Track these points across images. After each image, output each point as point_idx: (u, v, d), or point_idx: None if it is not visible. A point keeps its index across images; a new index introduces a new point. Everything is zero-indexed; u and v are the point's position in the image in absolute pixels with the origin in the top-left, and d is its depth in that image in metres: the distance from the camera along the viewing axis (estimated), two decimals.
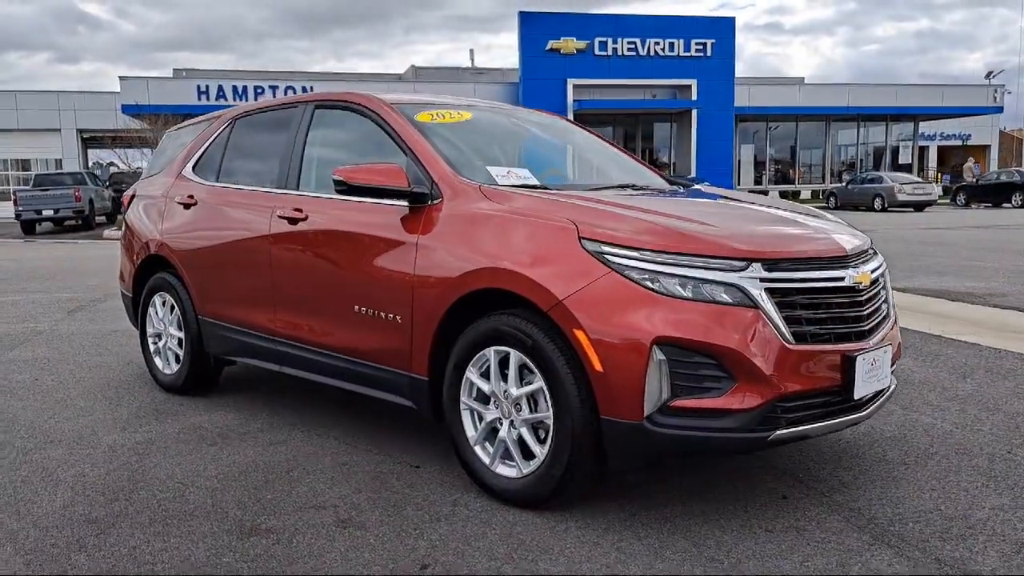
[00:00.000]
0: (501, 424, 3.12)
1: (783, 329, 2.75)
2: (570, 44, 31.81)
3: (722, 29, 33.52)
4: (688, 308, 2.71)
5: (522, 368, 3.04)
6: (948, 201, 33.63)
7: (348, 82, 33.48)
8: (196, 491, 3.34)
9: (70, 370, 5.59)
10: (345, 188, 3.45)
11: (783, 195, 34.88)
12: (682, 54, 32.86)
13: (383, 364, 3.55)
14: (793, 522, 2.92)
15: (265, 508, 3.15)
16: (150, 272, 5.03)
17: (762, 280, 2.77)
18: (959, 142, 52.50)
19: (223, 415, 4.43)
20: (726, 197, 3.79)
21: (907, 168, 40.51)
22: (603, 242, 2.83)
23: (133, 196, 5.36)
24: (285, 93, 31.63)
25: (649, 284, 2.74)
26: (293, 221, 3.93)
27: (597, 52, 32.20)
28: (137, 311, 5.19)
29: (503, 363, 3.11)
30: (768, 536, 2.81)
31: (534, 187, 3.48)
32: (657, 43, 32.55)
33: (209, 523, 3.02)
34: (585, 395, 2.83)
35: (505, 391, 3.09)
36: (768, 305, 2.74)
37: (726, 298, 2.73)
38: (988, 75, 54.43)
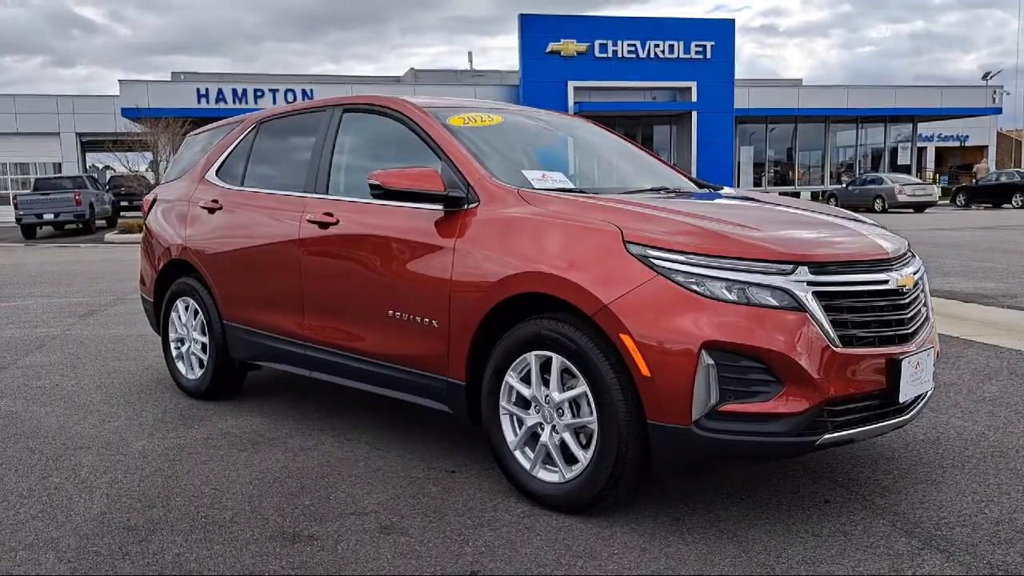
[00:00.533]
0: (542, 429, 3.11)
1: (830, 332, 2.74)
2: (570, 46, 31.85)
3: (722, 31, 33.59)
4: (735, 312, 2.70)
5: (563, 372, 3.03)
6: (948, 202, 33.69)
7: (348, 85, 33.42)
8: (233, 497, 3.32)
9: (90, 375, 5.56)
10: (381, 192, 3.44)
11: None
12: (682, 56, 32.93)
13: (419, 369, 3.53)
14: (839, 526, 2.91)
15: (305, 514, 3.13)
16: (173, 277, 5.01)
17: (809, 283, 2.76)
18: (957, 143, 52.65)
19: (250, 420, 4.42)
20: (759, 200, 3.78)
21: (906, 169, 40.59)
22: (648, 246, 2.82)
23: (154, 200, 5.33)
24: (285, 96, 31.65)
25: (696, 288, 2.73)
26: (324, 225, 3.91)
27: (597, 54, 32.25)
28: (159, 316, 5.17)
29: (544, 367, 3.09)
30: (816, 541, 2.80)
31: (570, 191, 3.47)
32: (657, 45, 32.61)
33: (251, 530, 3.00)
34: (631, 400, 2.81)
35: (547, 396, 3.07)
36: (815, 308, 2.73)
37: (773, 302, 2.72)
38: (985, 76, 54.61)
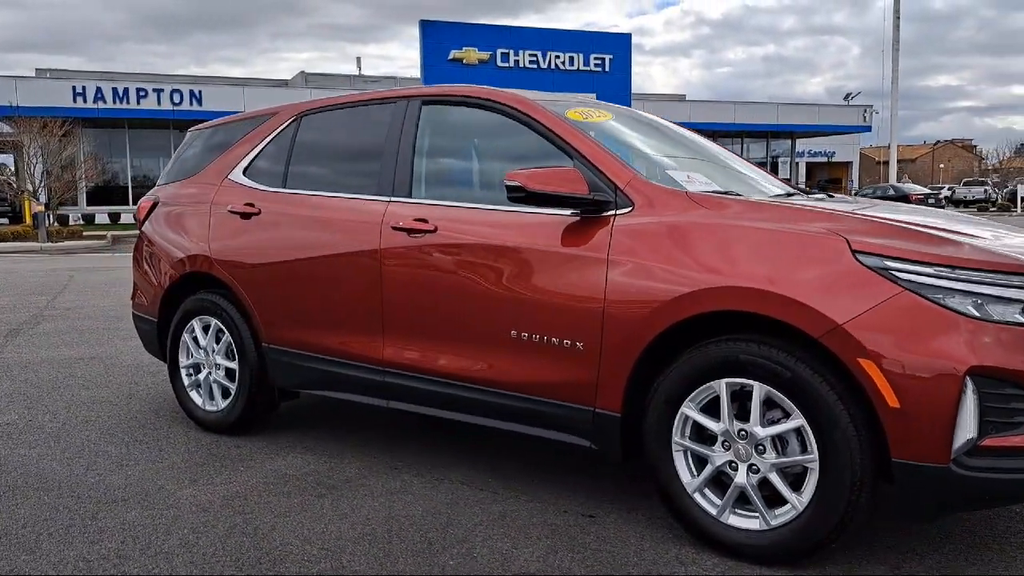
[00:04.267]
0: (735, 468, 2.71)
1: None
2: (472, 54, 31.53)
3: (619, 45, 34.07)
4: (995, 331, 2.38)
5: (763, 403, 2.64)
6: None
7: (238, 87, 31.94)
8: (354, 558, 2.76)
9: (64, 407, 4.76)
10: (522, 196, 2.96)
11: None
12: (581, 68, 33.18)
13: (552, 398, 3.07)
14: None
15: None
16: (185, 292, 4.32)
17: None
18: (825, 159, 55.57)
19: (301, 458, 3.81)
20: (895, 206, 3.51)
21: (787, 183, 42.37)
22: (885, 256, 2.48)
23: (154, 204, 4.60)
24: (171, 96, 30.02)
25: (945, 304, 2.40)
26: (414, 233, 3.39)
27: (499, 63, 32.07)
28: (163, 338, 4.45)
29: (734, 396, 2.70)
30: None
31: (724, 194, 3.10)
32: (558, 56, 32.73)
33: None
34: (866, 435, 2.46)
35: (741, 430, 2.68)
36: None
37: (1021, 319, 2.42)
38: (847, 96, 57.98)
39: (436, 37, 31.20)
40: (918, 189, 33.93)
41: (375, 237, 3.50)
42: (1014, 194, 37.12)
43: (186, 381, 4.33)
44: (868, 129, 44.12)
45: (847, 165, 56.10)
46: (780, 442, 2.63)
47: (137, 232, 4.80)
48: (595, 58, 33.27)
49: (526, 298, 3.09)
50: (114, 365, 5.91)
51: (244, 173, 4.18)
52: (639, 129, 3.72)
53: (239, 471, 3.66)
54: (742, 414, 2.70)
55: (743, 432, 2.67)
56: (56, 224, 23.98)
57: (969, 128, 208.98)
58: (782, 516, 2.63)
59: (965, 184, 50.02)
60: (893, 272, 2.45)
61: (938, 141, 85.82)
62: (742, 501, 2.72)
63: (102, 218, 29.98)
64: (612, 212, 2.97)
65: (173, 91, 30.06)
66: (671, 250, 2.80)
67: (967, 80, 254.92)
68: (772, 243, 2.64)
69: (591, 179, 3.02)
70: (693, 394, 2.76)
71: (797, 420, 2.56)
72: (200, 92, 30.31)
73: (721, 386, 2.70)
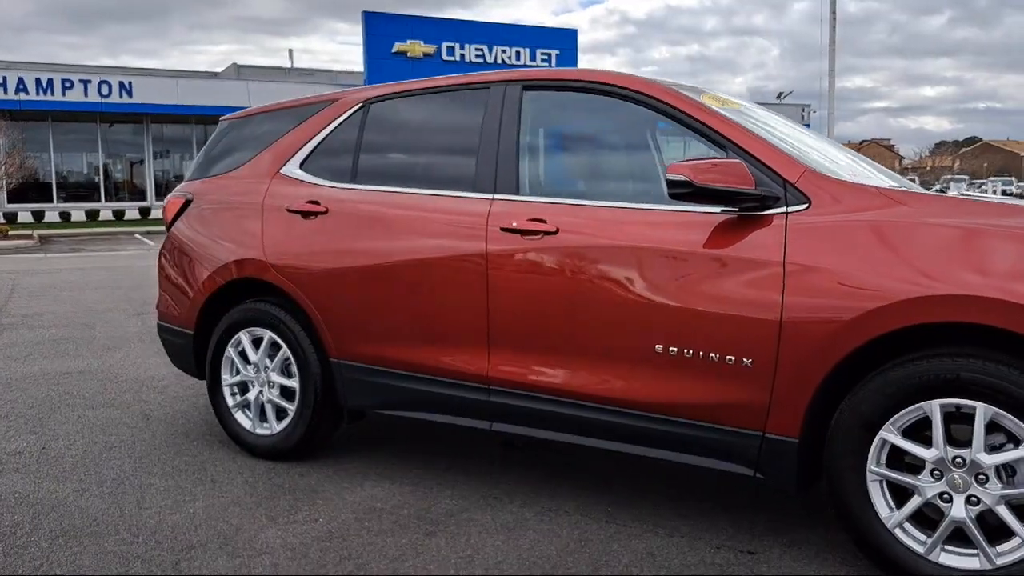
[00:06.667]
0: (948, 500, 2.40)
1: None
2: (417, 47, 30.87)
3: (566, 40, 33.84)
4: None
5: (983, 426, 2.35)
6: None
7: (169, 78, 30.64)
8: None
9: (75, 431, 4.20)
10: (689, 191, 2.60)
11: None
12: (528, 63, 32.77)
13: (706, 420, 2.72)
14: None
15: None
16: (230, 301, 3.82)
17: None
18: None
19: (381, 488, 3.37)
20: None
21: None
22: None
23: (187, 202, 4.07)
24: (99, 88, 28.54)
25: None
26: (530, 234, 2.99)
27: (445, 57, 31.47)
28: (200, 353, 3.94)
29: (947, 419, 2.40)
30: None
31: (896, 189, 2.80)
32: (504, 51, 32.27)
33: None
34: None
35: (956, 457, 2.37)
36: None
37: None
38: (779, 96, 59.16)
39: (380, 29, 30.43)
40: None
41: (479, 240, 3.09)
42: (943, 192, 38.29)
43: (231, 401, 3.83)
44: (807, 127, 44.81)
45: None
46: (1008, 471, 2.34)
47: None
48: (542, 53, 32.93)
49: (676, 308, 2.73)
50: (111, 380, 5.32)
51: (301, 167, 3.71)
52: (767, 121, 3.39)
53: (318, 505, 3.21)
54: (950, 438, 2.40)
55: (959, 459, 2.37)
56: None
57: (884, 128, 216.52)
58: (1010, 554, 2.33)
59: None
60: None
61: (862, 141, 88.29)
62: (952, 537, 2.42)
63: (25, 216, 28.35)
64: (782, 210, 2.64)
65: (101, 82, 28.54)
66: (875, 253, 2.47)
67: (881, 81, 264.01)
68: (1005, 245, 2.35)
69: (755, 173, 2.68)
70: (895, 417, 2.44)
71: None
72: (131, 84, 28.91)
73: (934, 407, 2.39)
